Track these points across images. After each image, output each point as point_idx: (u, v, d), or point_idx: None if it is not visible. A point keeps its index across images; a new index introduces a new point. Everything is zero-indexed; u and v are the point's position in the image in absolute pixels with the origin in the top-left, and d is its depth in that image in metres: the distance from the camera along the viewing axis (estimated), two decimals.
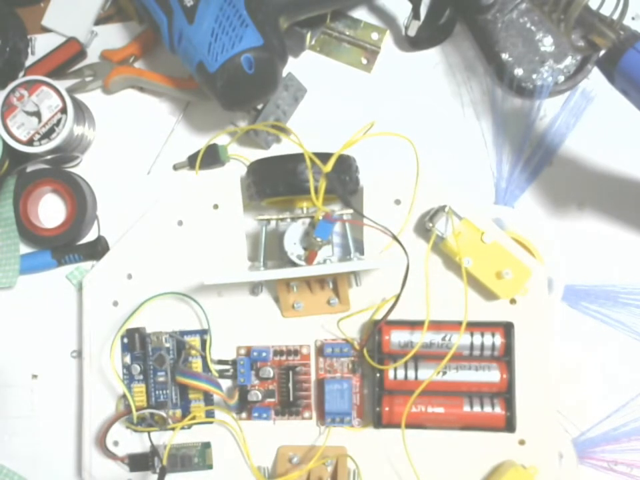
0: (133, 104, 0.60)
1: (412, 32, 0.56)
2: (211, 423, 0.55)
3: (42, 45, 0.60)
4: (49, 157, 0.57)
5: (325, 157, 0.50)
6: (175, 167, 0.59)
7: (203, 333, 0.55)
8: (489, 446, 0.52)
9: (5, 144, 0.56)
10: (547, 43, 0.56)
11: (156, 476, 0.53)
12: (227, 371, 0.55)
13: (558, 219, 0.57)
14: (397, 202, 0.53)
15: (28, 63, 0.60)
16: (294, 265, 0.52)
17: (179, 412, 0.55)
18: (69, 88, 0.58)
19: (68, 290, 0.59)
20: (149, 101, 0.60)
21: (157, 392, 0.55)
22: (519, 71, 0.56)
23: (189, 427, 0.55)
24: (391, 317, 0.50)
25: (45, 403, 0.59)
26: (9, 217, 0.57)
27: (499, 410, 0.51)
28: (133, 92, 0.60)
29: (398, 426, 0.51)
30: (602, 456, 0.54)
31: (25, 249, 0.59)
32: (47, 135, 0.56)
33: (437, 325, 0.52)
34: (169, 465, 0.54)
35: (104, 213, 0.60)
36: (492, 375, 0.51)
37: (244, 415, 0.54)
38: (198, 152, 0.58)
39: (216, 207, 0.55)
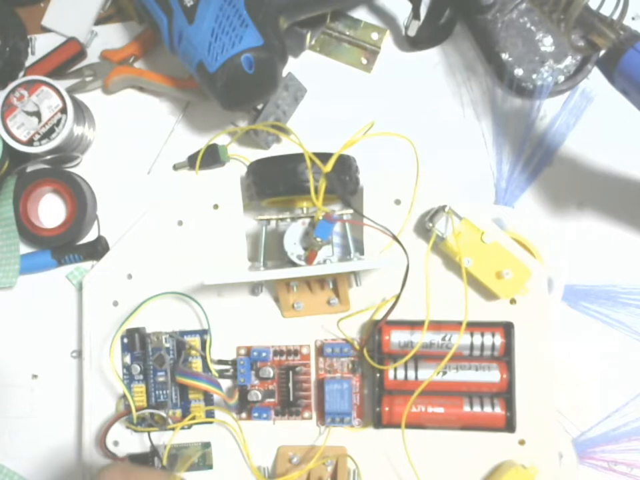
0: (133, 104, 0.60)
1: (412, 32, 0.56)
2: (211, 423, 0.55)
3: (42, 45, 0.60)
4: (48, 157, 0.57)
5: (325, 157, 0.50)
6: (175, 167, 0.59)
7: (203, 333, 0.55)
8: (489, 446, 0.52)
9: (5, 144, 0.56)
10: (547, 43, 0.56)
11: None
12: (227, 370, 0.55)
13: (558, 219, 0.57)
14: (397, 202, 0.53)
15: (28, 63, 0.60)
16: (294, 265, 0.52)
17: (178, 412, 0.55)
18: (69, 88, 0.58)
19: (68, 290, 0.59)
20: (149, 101, 0.60)
21: (156, 392, 0.55)
22: (519, 71, 0.56)
23: (189, 426, 0.55)
24: (391, 317, 0.50)
25: (45, 403, 0.59)
26: (9, 217, 0.57)
27: (498, 410, 0.51)
28: (133, 92, 0.60)
29: (398, 426, 0.51)
30: (602, 456, 0.54)
31: (25, 249, 0.59)
32: (47, 135, 0.56)
33: (436, 325, 0.52)
34: (168, 465, 0.54)
35: (104, 213, 0.60)
36: (492, 375, 0.51)
37: (244, 415, 0.54)
38: (198, 152, 0.58)
39: (216, 207, 0.55)
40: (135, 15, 0.60)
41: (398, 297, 0.49)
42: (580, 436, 0.54)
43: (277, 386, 0.54)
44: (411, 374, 0.52)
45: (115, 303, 0.55)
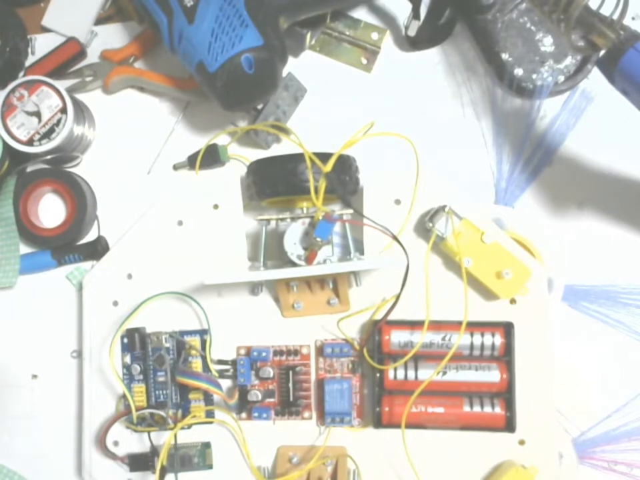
0: (133, 104, 0.60)
1: (412, 32, 0.56)
2: (211, 423, 0.55)
3: (42, 45, 0.60)
4: (49, 157, 0.57)
5: (325, 157, 0.50)
6: (175, 167, 0.59)
7: (203, 333, 0.55)
8: (489, 446, 0.52)
9: (5, 144, 0.56)
10: (547, 43, 0.56)
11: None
12: (227, 370, 0.55)
13: (558, 219, 0.57)
14: (397, 202, 0.53)
15: (28, 63, 0.60)
16: (294, 265, 0.52)
17: (179, 412, 0.55)
18: (68, 88, 0.58)
19: (68, 290, 0.59)
20: (149, 101, 0.60)
21: (156, 392, 0.55)
22: (519, 71, 0.56)
23: (189, 426, 0.55)
24: (391, 317, 0.50)
25: (45, 403, 0.59)
26: (9, 217, 0.57)
27: (498, 410, 0.51)
28: (133, 92, 0.60)
29: (398, 426, 0.51)
30: (602, 456, 0.54)
31: (25, 249, 0.59)
32: (47, 135, 0.56)
33: (437, 325, 0.52)
34: (168, 465, 0.54)
35: (104, 213, 0.60)
36: (492, 375, 0.51)
37: (244, 414, 0.54)
38: (198, 152, 0.58)
39: (216, 207, 0.55)
40: (135, 15, 0.60)
41: (398, 297, 0.49)
42: (580, 436, 0.54)
43: (277, 386, 0.54)
44: (411, 374, 0.52)
45: (115, 303, 0.55)
